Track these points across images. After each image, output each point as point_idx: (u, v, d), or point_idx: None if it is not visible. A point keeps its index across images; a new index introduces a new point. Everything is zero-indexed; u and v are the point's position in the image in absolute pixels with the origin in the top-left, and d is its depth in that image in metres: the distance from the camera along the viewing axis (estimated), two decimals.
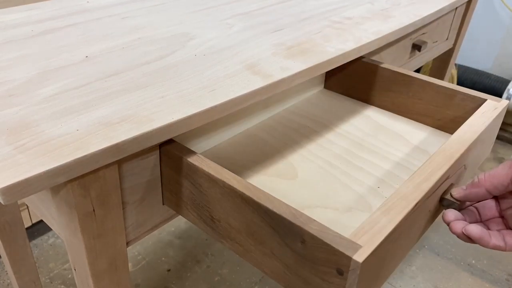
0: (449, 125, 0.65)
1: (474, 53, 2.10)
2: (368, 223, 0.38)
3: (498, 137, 2.13)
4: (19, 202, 0.96)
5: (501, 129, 2.12)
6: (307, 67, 0.55)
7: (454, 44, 1.13)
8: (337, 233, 0.36)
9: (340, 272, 0.36)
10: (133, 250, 1.41)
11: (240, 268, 1.38)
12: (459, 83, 2.04)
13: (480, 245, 0.43)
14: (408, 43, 0.86)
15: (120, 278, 0.50)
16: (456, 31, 1.09)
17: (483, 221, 0.47)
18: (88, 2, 0.75)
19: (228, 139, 0.63)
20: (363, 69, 0.71)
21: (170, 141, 0.48)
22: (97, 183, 0.41)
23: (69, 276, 1.31)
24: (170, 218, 0.54)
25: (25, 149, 0.37)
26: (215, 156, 0.59)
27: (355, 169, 0.58)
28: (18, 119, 0.41)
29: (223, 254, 1.44)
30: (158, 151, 0.48)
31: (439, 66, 1.21)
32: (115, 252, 0.47)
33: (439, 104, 0.65)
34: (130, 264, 1.36)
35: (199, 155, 0.46)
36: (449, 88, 0.63)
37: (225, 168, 0.44)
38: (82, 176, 0.39)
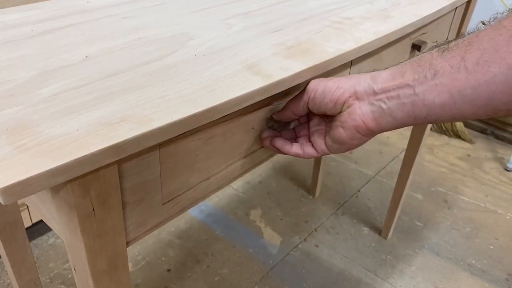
0: None
1: None
2: None
3: (498, 137, 2.12)
4: (19, 202, 0.96)
5: (501, 129, 2.12)
6: (307, 67, 0.55)
7: None
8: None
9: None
10: (133, 250, 1.42)
11: (240, 268, 1.39)
12: None
13: (284, 153, 0.55)
14: (408, 43, 0.86)
15: (120, 278, 0.50)
16: (456, 31, 1.09)
17: (297, 138, 0.58)
18: (88, 2, 0.75)
19: None
20: None
21: (170, 141, 0.48)
22: (97, 183, 0.41)
23: (69, 276, 1.31)
24: (170, 218, 0.54)
25: (25, 149, 0.37)
26: None
27: None
28: (18, 119, 0.41)
29: (223, 254, 1.44)
30: (158, 151, 0.48)
31: None
32: (115, 252, 0.47)
33: None
34: (130, 264, 1.36)
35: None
36: None
37: None
38: (82, 176, 0.39)
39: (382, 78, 0.47)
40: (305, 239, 1.52)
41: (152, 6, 0.75)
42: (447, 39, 1.06)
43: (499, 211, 1.68)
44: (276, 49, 0.60)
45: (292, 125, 0.60)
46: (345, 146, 0.52)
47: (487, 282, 1.37)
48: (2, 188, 0.32)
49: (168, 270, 1.36)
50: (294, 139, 0.59)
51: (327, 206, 1.69)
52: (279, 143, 0.56)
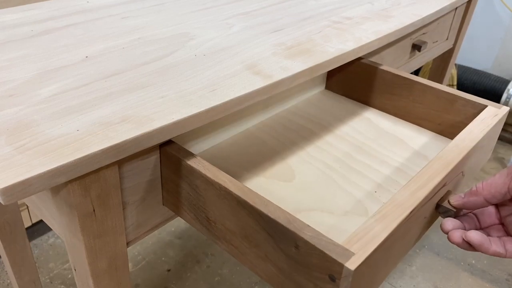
0: (449, 130, 0.65)
1: (474, 53, 2.10)
2: (362, 230, 0.38)
3: (498, 137, 2.13)
4: (19, 202, 0.96)
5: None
6: (307, 67, 0.55)
7: (454, 44, 1.13)
8: (331, 239, 0.37)
9: (333, 279, 0.36)
10: (133, 250, 1.41)
11: (240, 268, 1.38)
12: (459, 83, 2.04)
13: (481, 251, 0.43)
14: (408, 43, 0.86)
15: (120, 278, 0.50)
16: (456, 31, 1.09)
17: (482, 228, 0.47)
18: (88, 2, 0.75)
19: (227, 139, 0.63)
20: (363, 70, 0.71)
21: (170, 142, 0.48)
22: (97, 183, 0.41)
23: (69, 276, 1.31)
24: (170, 218, 0.54)
25: (25, 149, 0.37)
26: (214, 156, 0.59)
27: (353, 173, 0.57)
28: (18, 119, 0.41)
29: (223, 254, 1.44)
30: (158, 151, 0.48)
31: (439, 66, 1.21)
32: (115, 252, 0.47)
33: (440, 108, 0.64)
34: (130, 264, 1.36)
35: (197, 157, 0.46)
36: (450, 93, 0.62)
37: (223, 168, 0.44)
38: (82, 176, 0.39)
39: None
40: None
41: (152, 6, 0.75)
42: (447, 39, 1.06)
43: None
44: (276, 49, 0.60)
45: (464, 210, 0.48)
46: None
47: (487, 282, 1.37)
48: (3, 188, 0.32)
49: (168, 270, 1.36)
50: (478, 228, 0.47)
51: None
52: (477, 239, 0.43)
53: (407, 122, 0.69)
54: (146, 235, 0.51)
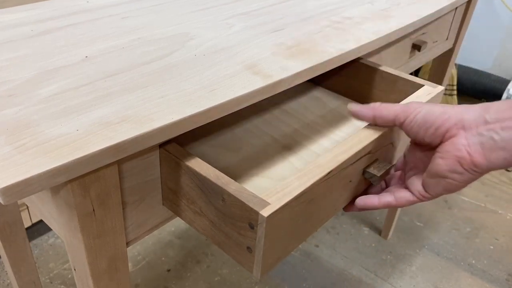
0: None
1: (474, 53, 2.10)
2: (282, 185, 0.43)
3: None
4: (19, 202, 0.96)
5: None
6: (307, 67, 0.55)
7: (454, 44, 1.13)
8: (251, 192, 0.41)
9: (252, 226, 0.41)
10: (133, 250, 1.42)
11: (240, 268, 1.38)
12: (459, 83, 2.04)
13: (371, 209, 0.51)
14: (408, 43, 0.86)
15: (120, 278, 0.50)
16: (456, 31, 1.09)
17: (387, 187, 0.54)
18: (88, 2, 0.75)
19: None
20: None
21: (170, 142, 0.48)
22: (97, 183, 0.41)
23: (69, 276, 1.31)
24: (170, 218, 0.54)
25: (25, 149, 0.37)
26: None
27: (298, 146, 0.62)
28: (18, 119, 0.41)
29: (223, 254, 1.44)
30: (158, 151, 0.48)
31: (439, 66, 1.21)
32: (115, 252, 0.47)
33: (384, 88, 0.68)
34: (130, 264, 1.36)
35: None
36: (392, 74, 0.67)
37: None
38: (82, 176, 0.39)
39: (496, 107, 0.42)
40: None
41: (152, 6, 0.74)
42: (447, 39, 1.06)
43: (499, 211, 1.68)
44: (276, 49, 0.60)
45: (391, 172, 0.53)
46: (444, 182, 0.45)
47: (487, 282, 1.37)
48: (2, 188, 0.32)
49: (168, 270, 1.36)
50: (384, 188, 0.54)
51: None
52: (360, 202, 0.51)
53: (356, 102, 0.72)
54: (146, 235, 0.51)
